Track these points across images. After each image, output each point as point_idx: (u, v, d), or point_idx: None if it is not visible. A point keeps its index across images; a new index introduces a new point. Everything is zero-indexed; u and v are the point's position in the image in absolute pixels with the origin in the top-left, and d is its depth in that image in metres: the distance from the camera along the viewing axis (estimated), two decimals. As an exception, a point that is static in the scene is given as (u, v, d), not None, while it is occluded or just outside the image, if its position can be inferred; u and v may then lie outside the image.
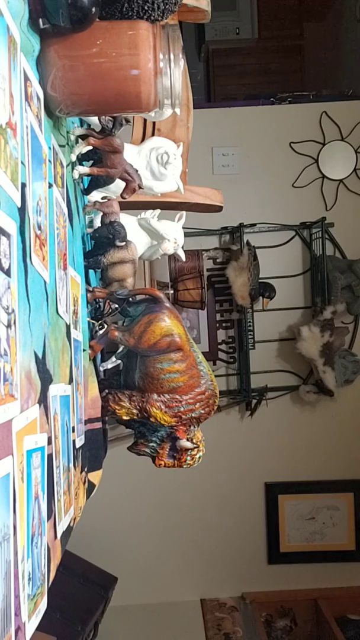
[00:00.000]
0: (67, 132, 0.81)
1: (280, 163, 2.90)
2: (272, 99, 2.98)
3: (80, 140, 0.84)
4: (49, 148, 0.67)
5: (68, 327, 0.74)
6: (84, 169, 0.86)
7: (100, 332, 0.93)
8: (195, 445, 0.90)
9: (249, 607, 2.84)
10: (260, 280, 2.67)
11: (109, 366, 1.00)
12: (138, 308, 0.89)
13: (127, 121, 0.82)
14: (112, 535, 2.85)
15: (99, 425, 0.90)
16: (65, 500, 0.68)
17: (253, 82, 4.18)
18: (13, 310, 0.47)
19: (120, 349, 0.94)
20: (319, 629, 2.83)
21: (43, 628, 0.54)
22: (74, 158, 0.83)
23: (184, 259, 1.13)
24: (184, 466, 0.91)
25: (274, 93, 3.07)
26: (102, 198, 0.95)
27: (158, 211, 1.09)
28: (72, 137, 0.83)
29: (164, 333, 0.84)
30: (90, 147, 0.84)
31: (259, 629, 2.68)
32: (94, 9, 0.60)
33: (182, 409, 0.87)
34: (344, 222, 2.85)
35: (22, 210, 0.52)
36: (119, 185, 0.90)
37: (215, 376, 0.93)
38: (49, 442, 0.59)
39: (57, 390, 0.64)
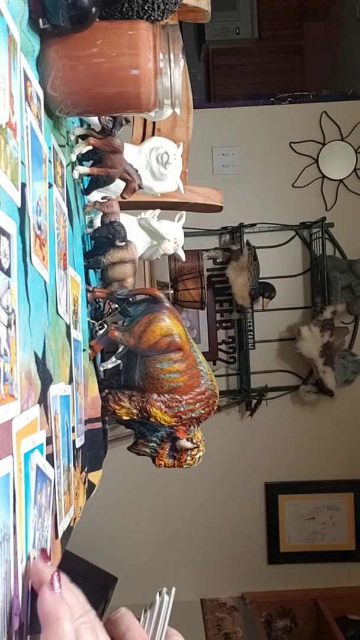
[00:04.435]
0: (67, 132, 0.81)
1: (280, 163, 2.90)
2: (272, 99, 2.99)
3: (80, 140, 0.84)
4: (49, 148, 0.67)
5: (68, 327, 0.74)
6: (84, 169, 0.86)
7: (100, 332, 0.93)
8: (195, 445, 0.90)
9: (249, 607, 2.84)
10: (260, 280, 2.67)
11: (109, 366, 1.00)
12: (138, 308, 0.89)
13: (127, 121, 0.82)
14: (112, 535, 2.85)
15: (99, 425, 0.90)
16: (65, 500, 0.68)
17: (253, 82, 4.18)
18: (13, 310, 0.47)
19: (120, 349, 0.94)
20: (319, 629, 2.83)
21: (43, 628, 0.53)
22: (74, 158, 0.83)
23: (184, 259, 1.13)
24: (184, 466, 0.91)
25: (274, 93, 3.07)
26: (102, 198, 0.95)
27: (158, 211, 1.09)
28: (72, 137, 0.83)
29: (164, 333, 0.84)
30: (90, 147, 0.84)
31: (259, 629, 2.68)
32: (94, 9, 0.60)
33: (182, 409, 0.87)
34: (344, 222, 2.85)
35: (22, 210, 0.52)
36: (119, 185, 0.90)
37: (215, 376, 0.93)
38: (49, 442, 0.59)
39: (57, 390, 0.64)
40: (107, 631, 0.47)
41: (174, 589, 0.50)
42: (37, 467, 0.53)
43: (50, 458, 0.60)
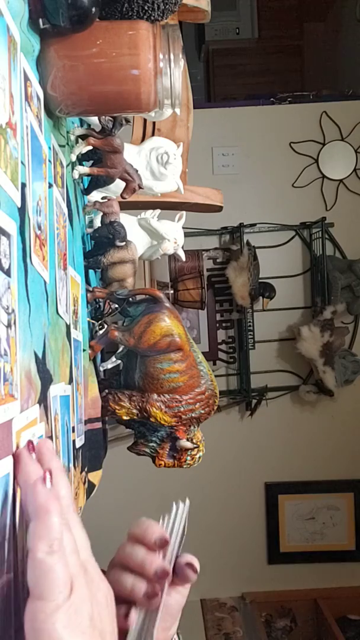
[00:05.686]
0: (67, 132, 0.81)
1: (280, 163, 2.90)
2: (272, 99, 2.99)
3: (80, 140, 0.84)
4: (49, 148, 0.67)
5: (68, 327, 0.74)
6: (84, 169, 0.86)
7: (100, 332, 0.93)
8: (195, 445, 0.90)
9: (249, 607, 2.84)
10: (260, 280, 2.67)
11: (109, 366, 1.00)
12: (138, 308, 0.89)
13: (127, 121, 0.82)
14: (112, 535, 2.84)
15: (99, 425, 0.90)
16: (65, 500, 0.68)
17: (253, 82, 4.18)
18: (13, 310, 0.47)
19: (120, 349, 0.94)
20: (319, 629, 2.83)
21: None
22: (74, 158, 0.83)
23: (184, 259, 1.13)
24: (184, 466, 0.91)
25: (274, 93, 3.07)
26: (102, 198, 0.95)
27: (158, 211, 1.09)
28: (72, 137, 0.83)
29: (164, 333, 0.84)
30: (90, 147, 0.84)
31: (259, 629, 2.68)
32: (94, 9, 0.60)
33: (182, 409, 0.87)
34: (344, 222, 2.85)
35: (22, 210, 0.52)
36: (119, 185, 0.91)
37: (215, 376, 0.93)
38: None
39: (57, 390, 0.64)
40: (129, 535, 0.54)
41: (187, 500, 0.56)
42: None
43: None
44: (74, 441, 0.75)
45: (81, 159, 0.87)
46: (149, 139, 1.04)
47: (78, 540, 0.44)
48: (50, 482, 0.42)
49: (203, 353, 0.92)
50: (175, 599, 0.53)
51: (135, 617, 0.49)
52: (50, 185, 0.65)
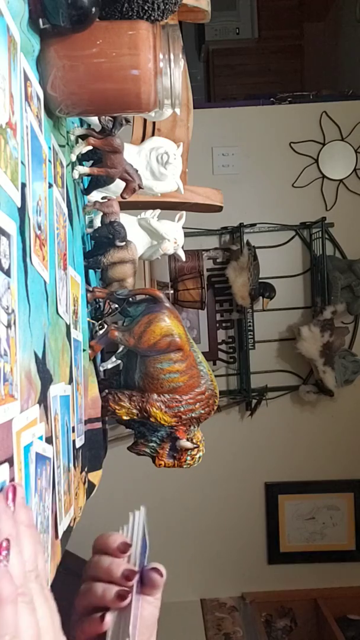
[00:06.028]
0: (67, 132, 0.81)
1: (280, 163, 2.90)
2: (272, 99, 2.98)
3: (80, 140, 0.84)
4: (49, 148, 0.67)
5: (68, 327, 0.74)
6: (84, 169, 0.86)
7: (100, 332, 0.93)
8: (195, 445, 0.90)
9: (249, 607, 2.84)
10: (260, 280, 2.67)
11: (109, 366, 1.00)
12: (138, 308, 0.89)
13: (127, 121, 0.82)
14: (112, 535, 2.84)
15: (99, 425, 0.90)
16: (65, 500, 0.68)
17: (253, 82, 4.18)
18: (13, 311, 0.47)
19: (120, 349, 0.94)
20: (319, 629, 2.83)
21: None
22: (74, 158, 0.83)
23: (184, 259, 1.13)
24: (184, 466, 0.91)
25: (274, 93, 3.07)
26: (102, 198, 0.95)
27: (158, 211, 1.09)
28: (72, 137, 0.83)
29: (164, 333, 0.84)
30: (90, 147, 0.84)
31: (259, 629, 2.68)
32: (94, 9, 0.60)
33: (182, 409, 0.87)
34: (344, 222, 2.85)
35: (22, 210, 0.52)
36: (119, 185, 0.91)
37: (215, 376, 0.93)
38: (49, 442, 0.59)
39: (57, 390, 0.64)
40: (93, 548, 0.56)
41: (142, 507, 0.59)
42: (37, 453, 0.53)
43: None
44: (74, 441, 0.75)
45: (81, 159, 0.87)
46: (149, 139, 1.04)
47: (41, 621, 0.39)
48: (7, 556, 0.36)
49: (203, 353, 0.92)
50: (148, 610, 0.54)
51: (110, 619, 0.50)
52: (50, 185, 0.65)
